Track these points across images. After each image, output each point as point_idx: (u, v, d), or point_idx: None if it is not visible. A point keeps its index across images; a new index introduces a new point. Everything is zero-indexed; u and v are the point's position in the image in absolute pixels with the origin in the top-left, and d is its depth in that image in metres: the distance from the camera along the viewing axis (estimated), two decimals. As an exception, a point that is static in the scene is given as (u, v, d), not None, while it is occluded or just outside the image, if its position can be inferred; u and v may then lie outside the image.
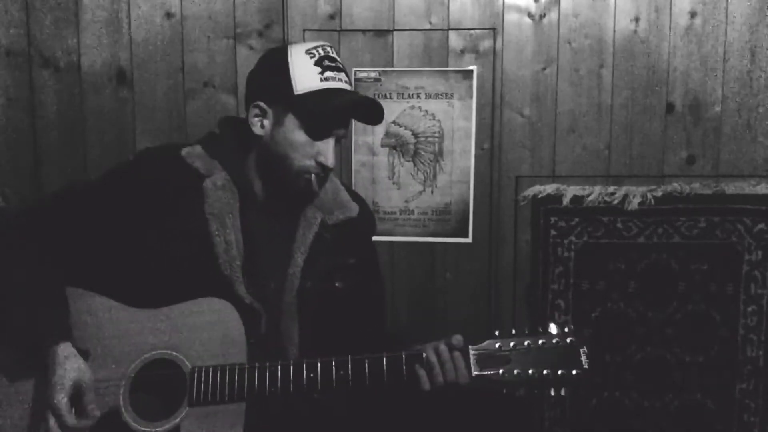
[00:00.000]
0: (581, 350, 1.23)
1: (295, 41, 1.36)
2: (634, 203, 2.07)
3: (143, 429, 1.27)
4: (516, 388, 1.23)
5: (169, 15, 2.11)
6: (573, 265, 2.14)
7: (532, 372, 1.22)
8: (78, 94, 2.12)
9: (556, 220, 2.13)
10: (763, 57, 2.07)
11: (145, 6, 2.10)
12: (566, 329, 1.26)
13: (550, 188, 2.11)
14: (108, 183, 1.40)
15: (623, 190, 2.09)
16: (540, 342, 1.24)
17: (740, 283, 2.11)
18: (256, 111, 1.37)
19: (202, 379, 1.29)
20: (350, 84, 1.39)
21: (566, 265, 2.14)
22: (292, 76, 1.33)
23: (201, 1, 2.10)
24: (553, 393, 1.23)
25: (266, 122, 1.36)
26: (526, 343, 1.24)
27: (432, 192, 2.16)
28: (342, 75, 1.36)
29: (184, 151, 1.40)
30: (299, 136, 1.33)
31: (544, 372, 1.22)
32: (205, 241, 1.34)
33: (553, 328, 1.26)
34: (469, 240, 2.16)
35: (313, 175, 1.35)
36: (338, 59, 1.39)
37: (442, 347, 1.28)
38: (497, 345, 1.25)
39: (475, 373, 1.24)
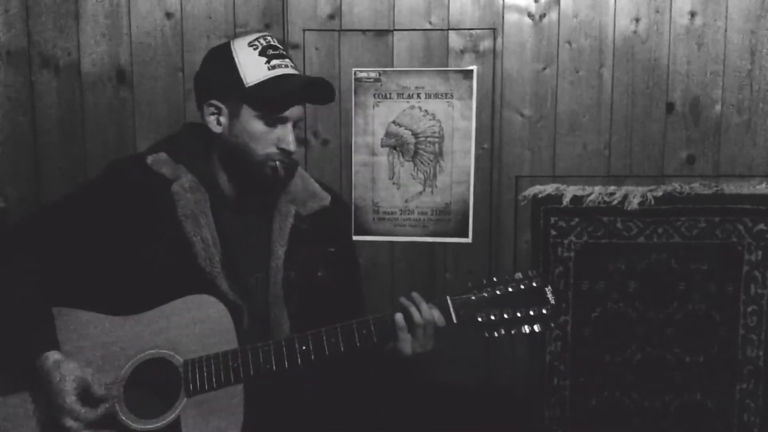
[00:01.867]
0: (546, 289, 1.36)
1: (238, 36, 1.44)
2: (634, 203, 2.07)
3: (143, 427, 1.27)
4: (494, 331, 1.35)
5: (169, 15, 2.11)
6: (573, 265, 2.14)
7: (507, 315, 1.34)
8: (78, 94, 2.13)
9: (556, 220, 2.13)
10: (763, 57, 2.07)
11: (145, 6, 2.10)
12: (530, 273, 1.38)
13: (550, 188, 2.11)
14: (81, 198, 1.42)
15: (623, 190, 2.09)
16: (509, 288, 1.36)
17: (740, 283, 2.11)
18: (212, 109, 1.40)
19: (196, 369, 1.29)
20: (296, 68, 1.42)
21: (566, 265, 2.14)
22: (240, 70, 1.36)
23: (201, 1, 2.10)
24: (527, 331, 1.34)
25: (222, 119, 1.39)
26: (497, 291, 1.36)
27: (432, 192, 2.16)
28: (287, 61, 1.40)
29: (150, 159, 1.42)
30: (257, 125, 1.36)
31: (518, 313, 1.34)
32: (183, 242, 1.36)
33: (519, 275, 1.37)
34: (469, 240, 2.16)
35: (277, 162, 1.38)
36: (280, 47, 1.42)
37: (414, 293, 1.39)
38: (473, 295, 1.36)
39: (456, 319, 1.35)
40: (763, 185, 2.08)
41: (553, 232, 2.13)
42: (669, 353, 2.15)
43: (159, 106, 2.13)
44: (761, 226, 2.09)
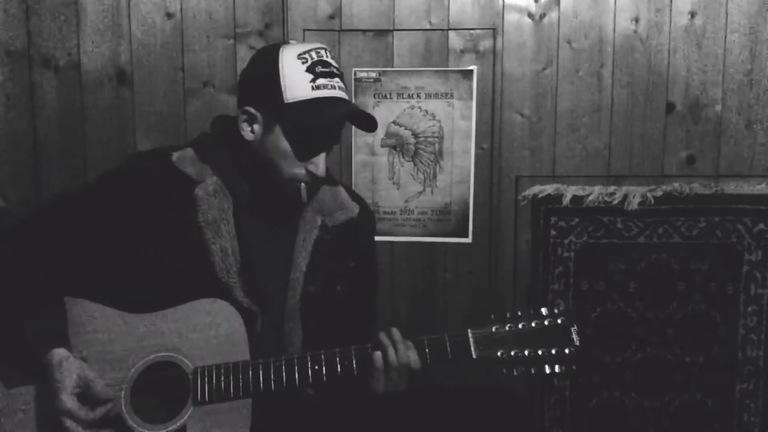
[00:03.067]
0: (572, 329, 1.29)
1: (291, 41, 1.31)
2: (634, 203, 2.07)
3: None
4: (513, 368, 1.28)
5: (169, 15, 2.11)
6: (573, 265, 2.14)
7: (528, 352, 1.27)
8: (78, 94, 2.12)
9: (556, 220, 2.13)
10: (763, 57, 2.07)
11: (145, 6, 2.10)
12: (556, 310, 1.31)
13: (550, 188, 2.11)
14: (100, 188, 1.38)
15: (623, 190, 2.09)
16: (533, 323, 1.29)
17: (740, 283, 2.11)
18: (245, 117, 1.33)
19: (206, 377, 1.27)
20: (345, 89, 1.35)
21: (566, 265, 2.14)
22: (282, 83, 1.28)
23: (201, 1, 2.10)
24: (548, 371, 1.28)
25: (256, 127, 1.33)
26: (520, 326, 1.29)
27: (432, 192, 2.16)
28: (336, 81, 1.32)
29: (175, 156, 1.36)
30: (289, 145, 1.31)
31: (539, 351, 1.27)
32: (201, 248, 1.32)
33: (544, 310, 1.31)
34: (469, 240, 2.16)
35: (302, 184, 1.33)
36: (333, 63, 1.33)
37: (394, 330, 1.30)
38: (494, 328, 1.30)
39: (475, 355, 1.28)
40: (763, 185, 2.08)
41: (553, 232, 2.13)
42: (669, 353, 2.15)
43: (159, 106, 2.13)
44: (761, 226, 2.09)
